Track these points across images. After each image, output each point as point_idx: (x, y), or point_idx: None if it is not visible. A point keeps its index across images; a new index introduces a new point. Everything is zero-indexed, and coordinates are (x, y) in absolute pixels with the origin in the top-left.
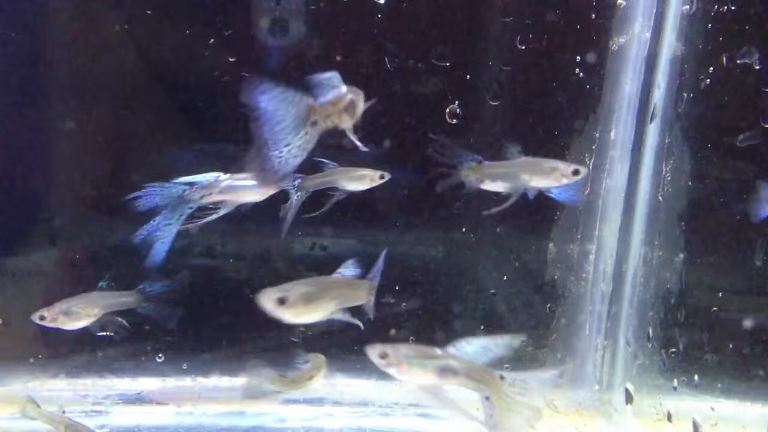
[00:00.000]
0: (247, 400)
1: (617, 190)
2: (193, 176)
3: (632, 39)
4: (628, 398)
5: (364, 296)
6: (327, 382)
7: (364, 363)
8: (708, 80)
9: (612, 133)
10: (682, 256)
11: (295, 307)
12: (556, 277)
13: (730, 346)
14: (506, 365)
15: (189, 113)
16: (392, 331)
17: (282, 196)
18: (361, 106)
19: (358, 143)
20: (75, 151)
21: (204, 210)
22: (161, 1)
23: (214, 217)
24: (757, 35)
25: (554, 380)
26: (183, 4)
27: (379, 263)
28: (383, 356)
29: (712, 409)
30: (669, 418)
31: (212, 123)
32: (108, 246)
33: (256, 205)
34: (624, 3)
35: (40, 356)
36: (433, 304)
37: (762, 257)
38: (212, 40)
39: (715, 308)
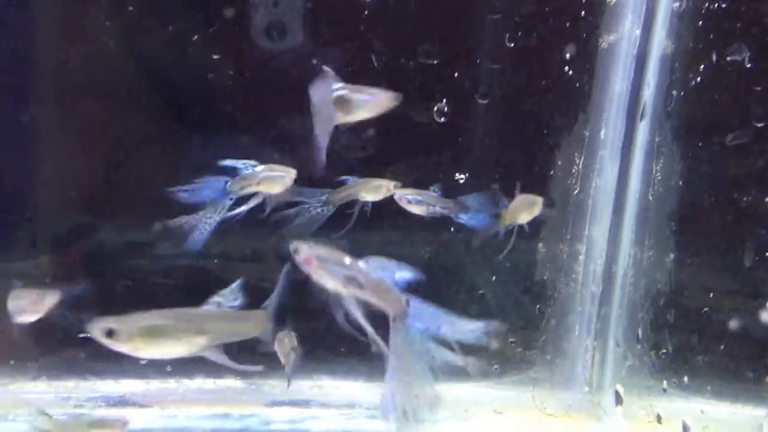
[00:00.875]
0: None
1: (607, 189)
2: (233, 161)
3: (622, 36)
4: (618, 400)
5: (254, 328)
6: (313, 383)
7: (350, 365)
8: (698, 78)
9: (602, 132)
10: (672, 256)
11: (132, 341)
12: (545, 278)
13: (721, 347)
14: (495, 367)
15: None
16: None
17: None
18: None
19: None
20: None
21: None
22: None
23: (245, 208)
24: (747, 32)
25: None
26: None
27: (280, 284)
28: (296, 250)
29: (702, 411)
30: (659, 419)
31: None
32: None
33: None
34: (614, 0)
35: (20, 358)
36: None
37: (752, 258)
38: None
39: (705, 309)
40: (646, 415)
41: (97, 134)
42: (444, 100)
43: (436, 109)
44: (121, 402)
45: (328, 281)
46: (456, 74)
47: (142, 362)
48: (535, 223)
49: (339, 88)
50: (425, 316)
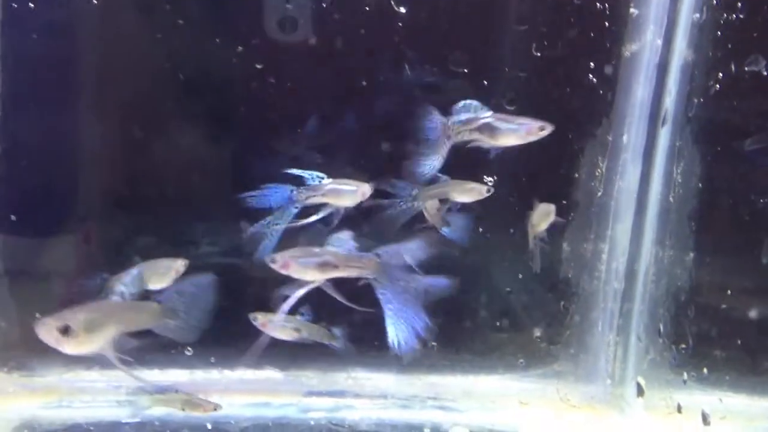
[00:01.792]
0: None
1: (629, 191)
2: (300, 171)
3: (644, 46)
4: (640, 392)
5: (150, 319)
6: (348, 375)
7: (384, 358)
8: (717, 86)
9: (624, 137)
10: (692, 255)
11: (78, 336)
12: (570, 276)
13: (738, 341)
14: (521, 360)
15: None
16: None
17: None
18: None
19: None
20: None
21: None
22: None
23: (314, 218)
24: (764, 42)
25: (421, 247)
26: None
27: (183, 285)
28: (273, 261)
29: (721, 400)
30: (679, 410)
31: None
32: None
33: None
34: (636, 11)
35: None
36: (451, 302)
37: None
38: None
39: (723, 305)
40: (667, 407)
41: (170, 143)
42: None
43: None
44: (168, 391)
45: (307, 273)
46: (485, 82)
47: (188, 353)
48: (560, 225)
49: (487, 116)
50: (396, 261)
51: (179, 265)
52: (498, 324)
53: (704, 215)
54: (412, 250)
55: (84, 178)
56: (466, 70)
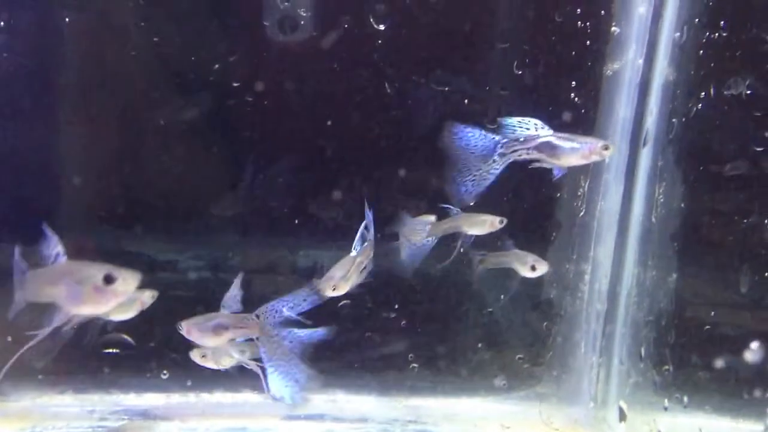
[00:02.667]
0: None
1: (611, 212)
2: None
3: (626, 65)
4: (622, 416)
5: None
6: (328, 398)
7: (364, 380)
8: (699, 105)
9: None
10: (674, 276)
11: None
12: (552, 296)
13: (721, 364)
14: (503, 382)
15: None
16: (391, 347)
17: None
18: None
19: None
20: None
21: None
22: None
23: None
24: (746, 62)
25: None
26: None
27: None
28: (179, 329)
29: (700, 430)
30: None
31: None
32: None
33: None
34: (618, 30)
35: (48, 373)
36: (432, 321)
37: (751, 278)
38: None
39: (707, 327)
40: (649, 431)
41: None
42: None
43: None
44: (144, 415)
45: (206, 338)
46: (466, 100)
47: (164, 376)
48: (543, 244)
49: (548, 135)
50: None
51: (146, 296)
52: (480, 344)
53: (686, 236)
54: (294, 303)
55: (55, 196)
56: (446, 88)
